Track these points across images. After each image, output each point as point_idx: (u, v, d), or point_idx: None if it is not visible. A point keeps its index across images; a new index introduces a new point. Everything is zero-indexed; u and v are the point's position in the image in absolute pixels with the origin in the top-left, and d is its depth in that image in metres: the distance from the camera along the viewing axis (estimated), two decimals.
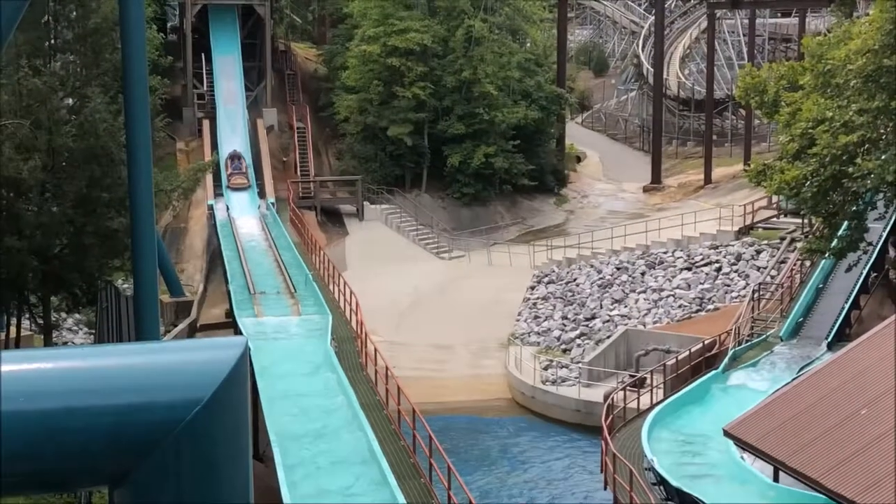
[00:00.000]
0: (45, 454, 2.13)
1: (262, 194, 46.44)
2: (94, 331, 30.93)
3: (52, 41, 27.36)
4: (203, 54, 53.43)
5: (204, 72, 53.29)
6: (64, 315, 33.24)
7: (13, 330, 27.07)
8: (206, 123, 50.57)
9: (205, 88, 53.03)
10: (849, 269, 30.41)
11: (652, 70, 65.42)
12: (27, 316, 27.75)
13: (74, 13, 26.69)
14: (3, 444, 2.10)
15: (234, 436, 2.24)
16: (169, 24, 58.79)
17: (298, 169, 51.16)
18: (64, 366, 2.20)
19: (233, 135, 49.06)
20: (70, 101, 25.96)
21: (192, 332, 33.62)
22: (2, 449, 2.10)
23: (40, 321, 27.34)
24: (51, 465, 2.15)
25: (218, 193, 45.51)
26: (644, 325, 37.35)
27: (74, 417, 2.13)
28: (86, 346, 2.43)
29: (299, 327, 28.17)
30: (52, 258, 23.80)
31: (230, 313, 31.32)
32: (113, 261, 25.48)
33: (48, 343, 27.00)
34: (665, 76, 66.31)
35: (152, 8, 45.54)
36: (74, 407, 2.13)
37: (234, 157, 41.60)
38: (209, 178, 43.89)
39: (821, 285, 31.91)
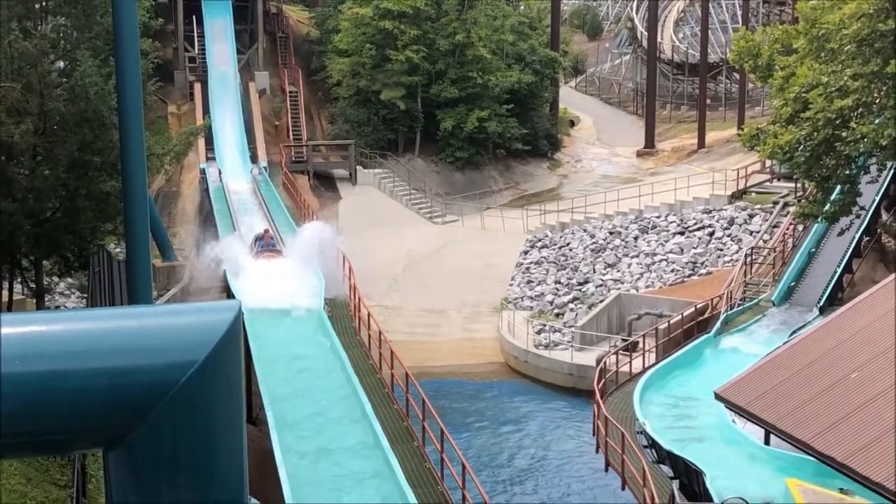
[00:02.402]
0: (41, 417, 2.13)
1: (254, 158, 46.32)
2: (86, 295, 30.89)
3: (43, 3, 27.09)
4: (194, 17, 53.04)
5: (195, 34, 52.93)
6: (56, 279, 33.20)
7: (5, 294, 27.02)
8: (197, 87, 50.31)
9: (196, 51, 52.69)
10: (841, 233, 30.47)
11: (646, 33, 65.09)
12: (19, 280, 27.69)
13: None
14: None
15: (228, 398, 2.25)
16: None
17: (291, 133, 50.93)
18: (59, 329, 2.19)
19: (224, 98, 48.82)
20: (61, 64, 25.75)
21: (184, 296, 33.55)
22: None
23: (32, 285, 27.30)
24: (46, 427, 2.15)
25: (210, 157, 45.35)
26: (637, 290, 37.44)
27: (69, 380, 2.13)
28: (80, 309, 2.43)
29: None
30: (45, 221, 23.72)
31: (223, 277, 31.26)
32: (105, 224, 25.40)
33: (40, 307, 26.96)
34: (659, 40, 65.97)
35: None
36: (69, 370, 2.13)
37: (262, 237, 31.16)
38: (201, 141, 43.73)
39: (813, 249, 31.96)
